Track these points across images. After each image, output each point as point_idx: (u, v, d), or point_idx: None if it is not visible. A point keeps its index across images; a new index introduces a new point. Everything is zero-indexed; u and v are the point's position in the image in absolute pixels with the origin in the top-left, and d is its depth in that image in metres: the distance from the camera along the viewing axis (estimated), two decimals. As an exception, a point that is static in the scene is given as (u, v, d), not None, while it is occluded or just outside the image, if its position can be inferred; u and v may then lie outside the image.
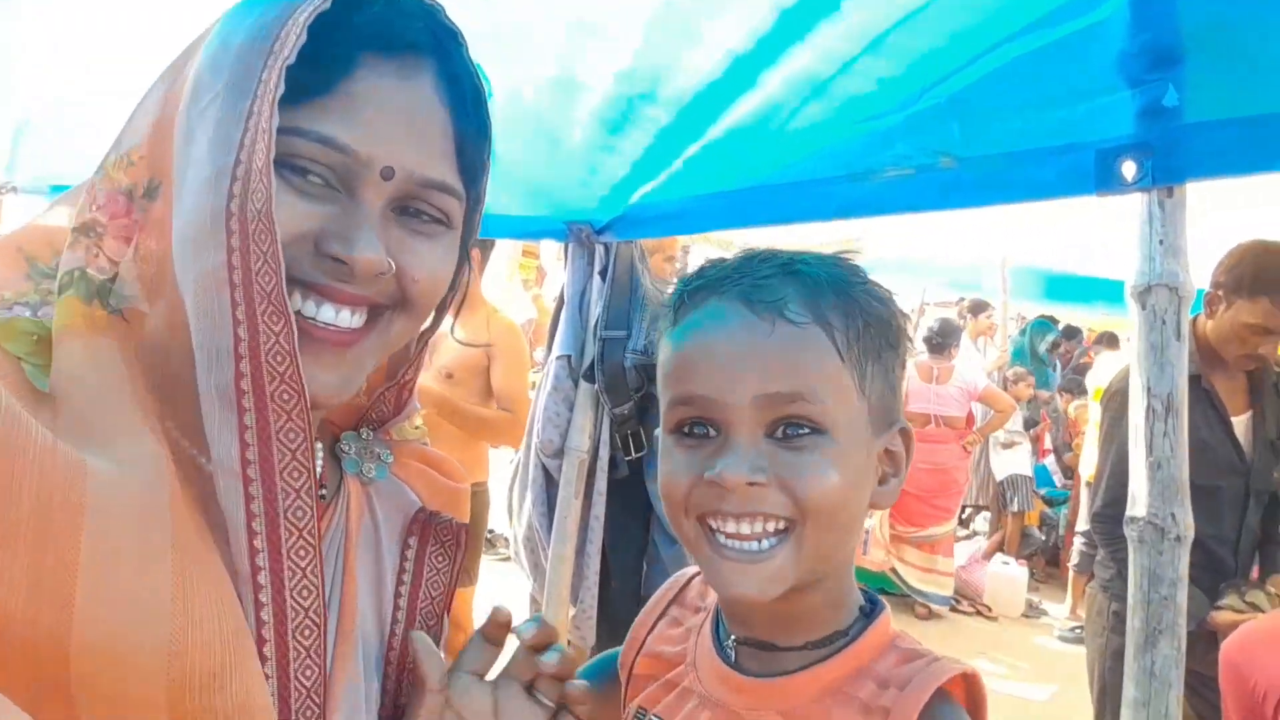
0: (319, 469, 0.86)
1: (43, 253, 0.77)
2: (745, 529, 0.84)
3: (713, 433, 0.87)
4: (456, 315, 3.83)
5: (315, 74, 0.71)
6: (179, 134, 0.73)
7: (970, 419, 7.00)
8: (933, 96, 1.64)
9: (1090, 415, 7.14)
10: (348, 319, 0.76)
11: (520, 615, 0.92)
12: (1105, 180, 1.45)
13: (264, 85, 0.69)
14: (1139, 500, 1.43)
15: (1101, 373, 7.38)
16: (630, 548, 2.73)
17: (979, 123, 1.64)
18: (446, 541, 0.94)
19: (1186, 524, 1.39)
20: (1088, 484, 6.66)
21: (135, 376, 0.70)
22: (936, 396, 6.72)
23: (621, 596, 2.79)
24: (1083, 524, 6.87)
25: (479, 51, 0.84)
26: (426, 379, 3.73)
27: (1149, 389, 1.41)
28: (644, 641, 1.08)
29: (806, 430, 0.84)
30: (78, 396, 0.67)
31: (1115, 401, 2.96)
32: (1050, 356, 9.68)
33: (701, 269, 0.94)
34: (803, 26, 1.51)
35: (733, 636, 0.96)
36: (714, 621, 1.00)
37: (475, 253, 3.89)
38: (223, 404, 0.67)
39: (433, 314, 0.87)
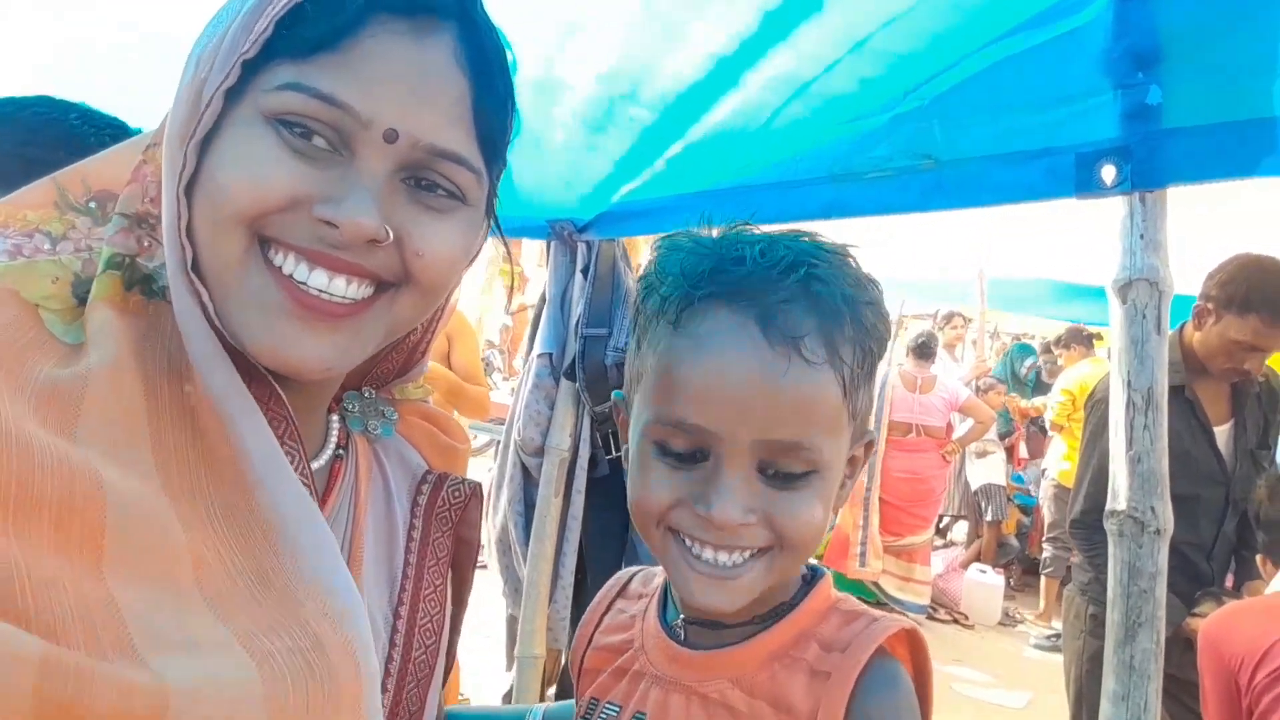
0: (334, 430, 0.89)
1: (74, 185, 0.77)
2: (723, 558, 0.85)
3: (699, 455, 0.85)
4: None
5: (324, 31, 0.69)
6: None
7: (950, 429, 7.04)
8: (915, 99, 1.66)
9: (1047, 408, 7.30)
10: (342, 288, 0.73)
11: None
12: (1085, 184, 1.47)
13: (253, 40, 0.68)
14: (1119, 494, 1.44)
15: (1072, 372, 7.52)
16: (609, 547, 2.72)
17: (960, 125, 1.66)
18: (456, 501, 0.95)
19: (1166, 517, 1.41)
20: (1054, 483, 6.79)
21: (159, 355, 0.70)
22: (920, 406, 6.76)
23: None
24: (1051, 529, 7.00)
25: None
26: None
27: (1129, 383, 1.43)
28: (591, 638, 1.09)
29: (799, 472, 0.84)
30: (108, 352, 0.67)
31: (1100, 408, 2.98)
32: (1028, 376, 9.76)
33: (714, 267, 0.85)
34: (785, 28, 1.52)
35: (681, 617, 0.97)
36: (660, 604, 1.02)
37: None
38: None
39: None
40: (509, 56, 0.80)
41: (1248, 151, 1.32)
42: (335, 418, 0.90)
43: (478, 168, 0.77)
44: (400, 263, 0.75)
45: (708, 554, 0.85)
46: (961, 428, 7.30)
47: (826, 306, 0.83)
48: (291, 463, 0.73)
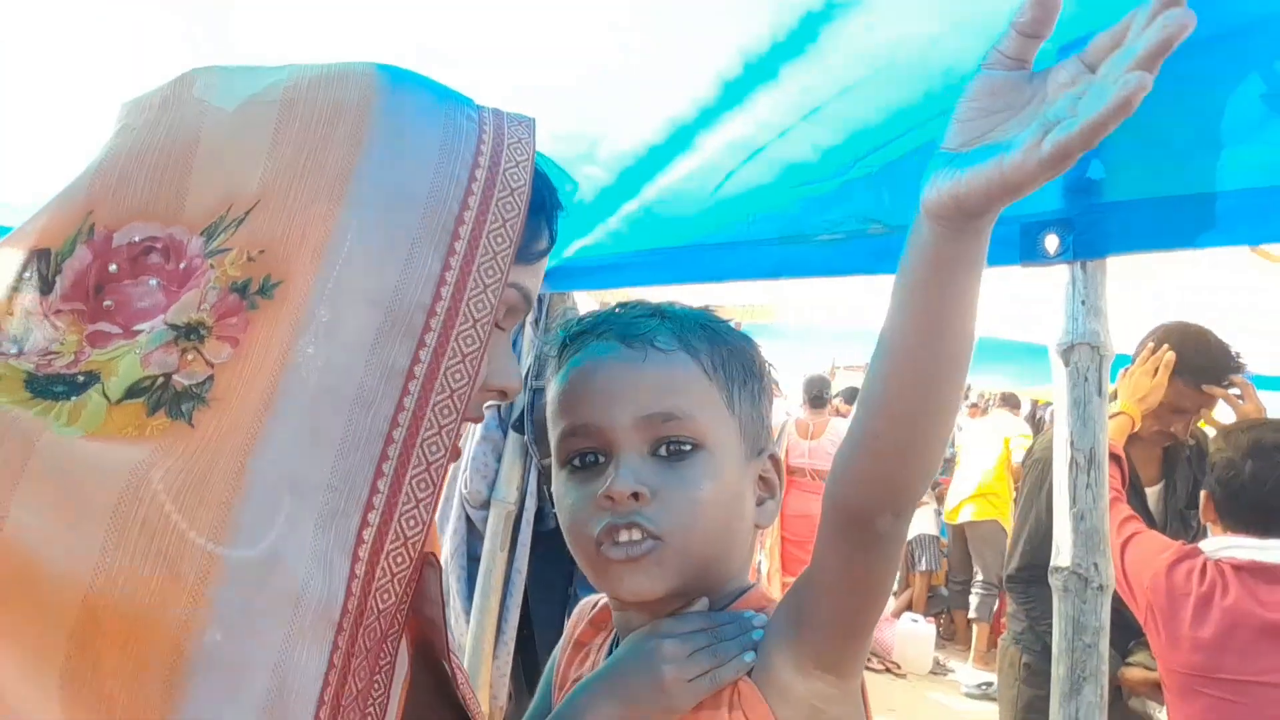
0: None
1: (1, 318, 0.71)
2: (631, 535, 0.91)
3: (601, 459, 0.95)
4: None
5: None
6: (329, 246, 0.71)
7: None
8: (865, 165, 1.71)
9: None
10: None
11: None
12: (1029, 252, 1.53)
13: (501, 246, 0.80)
14: (1063, 550, 1.49)
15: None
16: (552, 600, 2.69)
17: (909, 192, 1.69)
18: None
19: (1108, 574, 1.46)
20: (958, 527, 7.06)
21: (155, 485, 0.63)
22: (810, 451, 6.99)
23: (543, 649, 2.74)
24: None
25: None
26: None
27: (1072, 443, 1.48)
28: (565, 669, 1.12)
29: (687, 446, 0.93)
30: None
31: (1037, 468, 3.06)
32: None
33: (581, 318, 1.05)
34: (742, 94, 1.56)
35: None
36: (611, 643, 1.06)
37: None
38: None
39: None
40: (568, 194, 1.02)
41: (1187, 225, 1.39)
42: None
43: None
44: None
45: (622, 536, 0.91)
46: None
47: (674, 317, 1.00)
48: None
